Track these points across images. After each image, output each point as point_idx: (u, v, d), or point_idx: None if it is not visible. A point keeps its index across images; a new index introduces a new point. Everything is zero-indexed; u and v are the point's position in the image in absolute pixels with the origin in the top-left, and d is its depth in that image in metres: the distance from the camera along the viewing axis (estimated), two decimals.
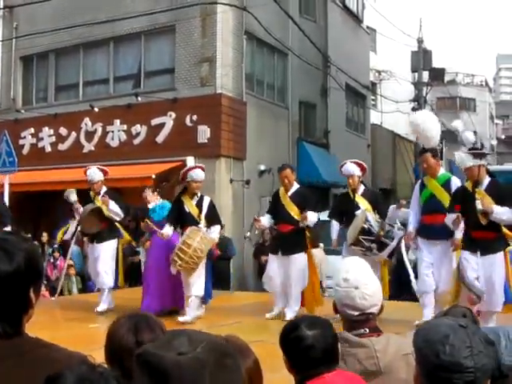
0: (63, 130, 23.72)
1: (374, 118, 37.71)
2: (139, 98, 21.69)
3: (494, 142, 68.62)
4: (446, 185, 10.16)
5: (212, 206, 11.62)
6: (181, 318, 10.64)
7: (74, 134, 23.51)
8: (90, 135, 23.20)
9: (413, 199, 10.68)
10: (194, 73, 21.55)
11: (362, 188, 11.50)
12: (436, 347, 2.28)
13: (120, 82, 23.82)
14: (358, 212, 10.95)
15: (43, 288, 15.66)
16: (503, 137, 79.49)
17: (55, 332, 9.40)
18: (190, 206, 11.42)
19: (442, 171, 10.49)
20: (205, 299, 11.40)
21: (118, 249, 12.55)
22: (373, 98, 38.90)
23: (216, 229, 11.55)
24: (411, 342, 2.45)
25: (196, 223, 11.19)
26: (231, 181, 21.10)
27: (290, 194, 11.50)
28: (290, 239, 11.26)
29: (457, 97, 57.32)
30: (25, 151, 23.98)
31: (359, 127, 33.57)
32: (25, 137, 24.54)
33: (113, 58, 23.69)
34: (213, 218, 11.56)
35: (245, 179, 21.10)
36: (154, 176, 19.04)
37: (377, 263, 10.63)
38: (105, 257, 12.24)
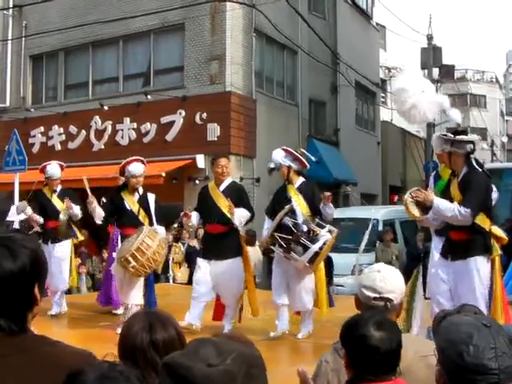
0: (73, 129, 23.78)
1: (384, 115, 37.66)
2: (149, 96, 21.73)
3: (505, 139, 68.42)
4: None
5: (157, 205, 10.51)
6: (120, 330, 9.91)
7: (83, 132, 23.56)
8: (99, 133, 23.25)
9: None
10: (203, 71, 21.56)
11: (299, 181, 9.60)
12: (459, 348, 2.24)
13: (129, 80, 23.83)
14: (287, 206, 9.22)
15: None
16: None
17: (66, 330, 9.42)
18: (131, 203, 10.36)
19: None
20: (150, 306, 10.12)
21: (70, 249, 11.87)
22: (383, 95, 38.88)
23: (162, 230, 10.38)
24: (431, 343, 2.41)
25: (138, 222, 10.16)
26: (241, 179, 21.05)
27: (222, 188, 9.94)
28: (222, 242, 9.72)
29: (467, 93, 57.23)
30: (35, 150, 24.03)
31: (369, 124, 33.55)
32: (34, 135, 24.62)
33: (122, 57, 23.70)
34: (157, 217, 10.43)
35: (255, 177, 21.08)
36: (163, 174, 19.06)
37: (309, 271, 9.26)
38: (61, 257, 11.55)
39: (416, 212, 7.77)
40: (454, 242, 7.61)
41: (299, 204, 9.32)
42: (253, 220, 10.44)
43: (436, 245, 8.67)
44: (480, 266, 7.42)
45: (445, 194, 7.77)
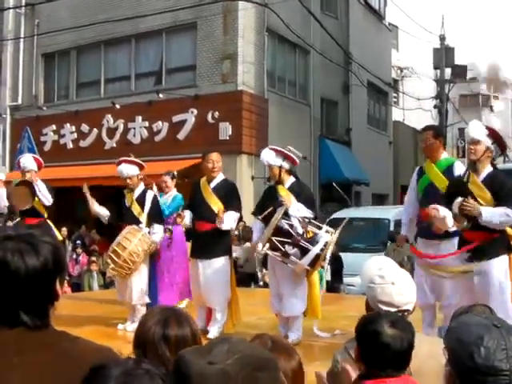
0: (85, 127, 23.86)
1: (396, 114, 37.59)
2: (161, 95, 21.75)
3: None
4: (448, 171, 8.18)
5: (155, 203, 10.25)
6: (121, 326, 9.81)
7: (95, 130, 23.65)
8: (111, 132, 23.33)
9: (409, 192, 8.83)
10: (215, 70, 21.59)
11: (290, 180, 9.13)
12: (470, 349, 2.21)
13: (141, 78, 23.88)
14: (279, 209, 8.73)
15: (65, 284, 15.70)
16: None
17: (78, 328, 9.41)
18: (130, 200, 10.10)
19: (445, 155, 8.49)
20: (151, 304, 9.76)
21: None
22: (395, 95, 38.80)
23: (158, 229, 10.06)
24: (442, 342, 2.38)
25: (136, 220, 9.92)
26: (253, 178, 21.07)
27: (212, 185, 9.53)
28: (210, 240, 9.29)
29: (479, 94, 56.96)
30: (46, 148, 24.13)
31: (381, 124, 33.50)
32: (46, 133, 24.69)
33: (134, 55, 23.75)
34: (155, 216, 10.11)
35: (266, 176, 21.03)
36: (175, 173, 19.06)
37: (301, 276, 8.86)
38: None
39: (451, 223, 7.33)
40: (476, 243, 7.27)
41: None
42: (242, 219, 10.13)
43: (420, 247, 8.36)
44: (506, 266, 7.26)
45: (462, 191, 7.39)
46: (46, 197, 10.98)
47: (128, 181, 10.11)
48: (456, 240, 7.85)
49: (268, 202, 9.13)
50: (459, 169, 8.15)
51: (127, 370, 1.73)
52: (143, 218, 9.97)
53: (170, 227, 11.27)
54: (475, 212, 7.06)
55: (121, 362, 1.79)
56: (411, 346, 3.19)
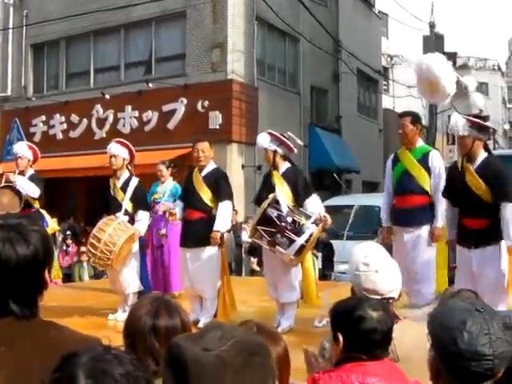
0: (74, 118, 23.81)
1: (386, 102, 37.58)
2: (150, 85, 21.69)
3: (507, 127, 68.29)
4: (424, 159, 8.37)
5: (139, 189, 9.98)
6: (111, 316, 9.70)
7: (85, 121, 23.60)
8: (101, 122, 23.28)
9: (386, 179, 9.01)
10: (204, 58, 21.55)
11: (285, 166, 8.87)
12: (453, 334, 2.22)
13: (131, 68, 23.84)
14: (271, 195, 8.49)
15: (55, 274, 15.65)
16: None
17: (68, 319, 9.42)
18: (115, 188, 9.98)
19: (420, 143, 8.63)
20: (144, 292, 9.60)
21: None
22: (385, 82, 38.80)
23: (143, 216, 9.87)
24: None
25: (121, 208, 9.77)
26: (243, 166, 21.06)
27: (203, 174, 9.35)
28: (200, 229, 9.07)
29: None
30: (36, 139, 23.96)
31: (371, 112, 33.50)
32: (36, 124, 24.64)
33: (124, 45, 23.69)
34: (139, 202, 9.92)
35: (256, 164, 21.04)
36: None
37: (291, 265, 8.67)
38: None
39: None
40: (474, 230, 7.43)
41: (283, 192, 8.61)
42: (234, 208, 10.19)
43: (399, 236, 8.51)
44: (505, 251, 7.34)
45: (457, 181, 7.59)
46: (29, 191, 10.77)
47: (112, 159, 9.98)
48: (428, 227, 8.23)
49: (264, 188, 9.00)
50: (436, 158, 8.34)
51: (95, 356, 1.73)
52: (125, 204, 9.82)
53: (163, 231, 11.36)
54: None
55: (90, 349, 1.80)
56: (392, 324, 3.21)
